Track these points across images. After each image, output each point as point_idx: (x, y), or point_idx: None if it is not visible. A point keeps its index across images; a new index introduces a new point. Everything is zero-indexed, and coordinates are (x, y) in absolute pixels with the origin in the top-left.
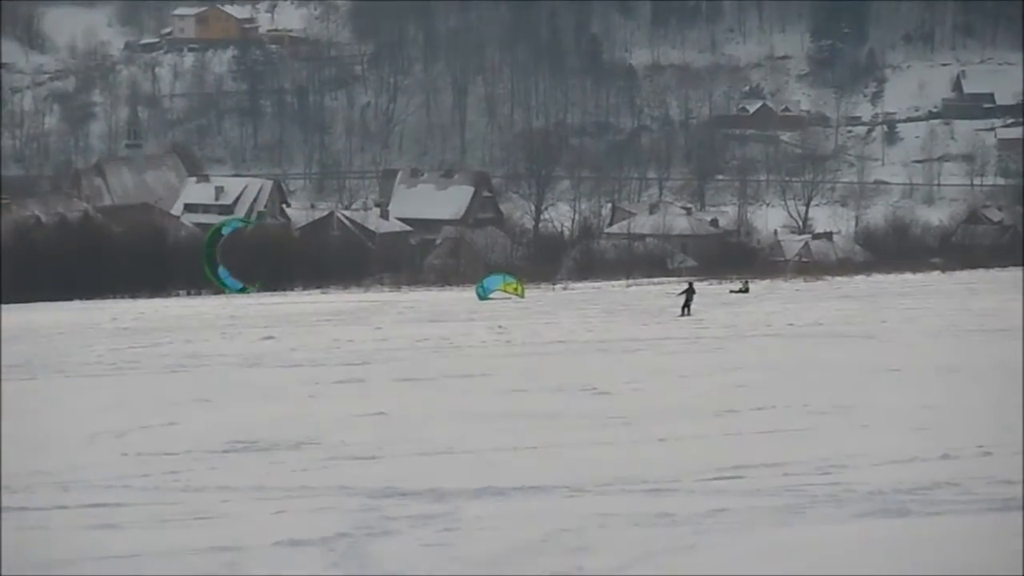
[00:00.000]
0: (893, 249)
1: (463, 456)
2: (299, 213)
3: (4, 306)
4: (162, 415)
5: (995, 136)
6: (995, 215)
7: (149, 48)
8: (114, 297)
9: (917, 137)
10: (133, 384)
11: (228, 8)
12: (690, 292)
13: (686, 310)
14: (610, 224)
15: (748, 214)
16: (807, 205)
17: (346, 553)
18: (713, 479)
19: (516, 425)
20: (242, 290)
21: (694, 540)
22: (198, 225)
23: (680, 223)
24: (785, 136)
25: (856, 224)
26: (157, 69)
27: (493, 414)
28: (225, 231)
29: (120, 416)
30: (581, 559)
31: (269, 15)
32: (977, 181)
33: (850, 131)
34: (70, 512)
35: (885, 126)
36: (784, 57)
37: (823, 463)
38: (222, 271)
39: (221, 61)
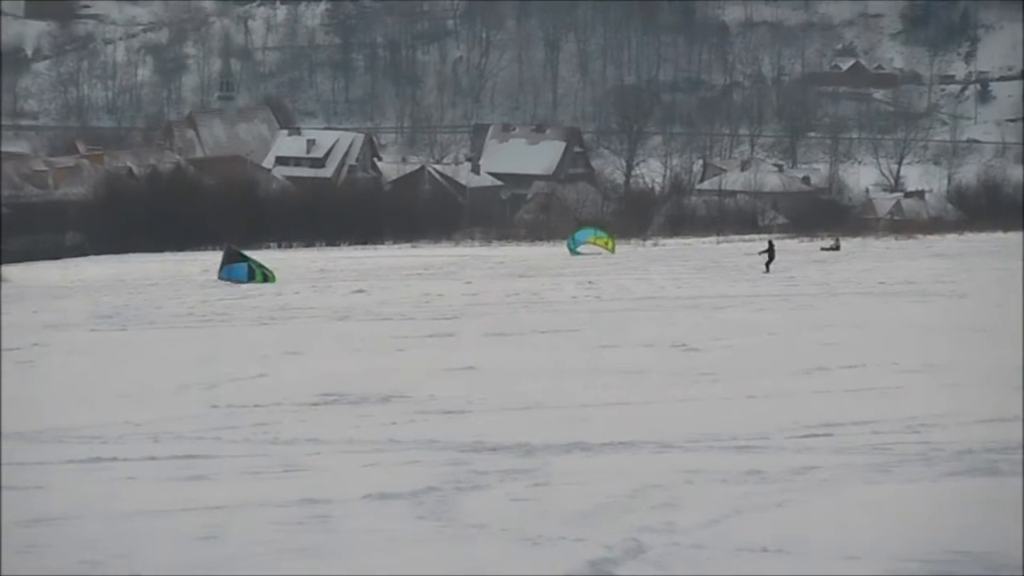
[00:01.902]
0: (985, 208)
1: (552, 411)
2: (390, 167)
3: (96, 257)
4: (252, 367)
5: None
6: None
7: (242, 1)
8: (205, 249)
9: (1010, 96)
10: (223, 336)
11: None
12: (771, 250)
13: (767, 268)
14: (701, 180)
15: (840, 172)
16: (899, 163)
17: (435, 507)
18: (802, 436)
19: (605, 381)
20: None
21: (783, 497)
22: (289, 178)
23: (771, 180)
24: (878, 94)
25: (948, 183)
26: (250, 22)
27: (582, 369)
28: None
29: (210, 368)
30: (669, 515)
31: None
32: None
33: (943, 89)
34: (160, 463)
35: (978, 85)
36: (877, 15)
37: (912, 421)
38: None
39: (314, 14)
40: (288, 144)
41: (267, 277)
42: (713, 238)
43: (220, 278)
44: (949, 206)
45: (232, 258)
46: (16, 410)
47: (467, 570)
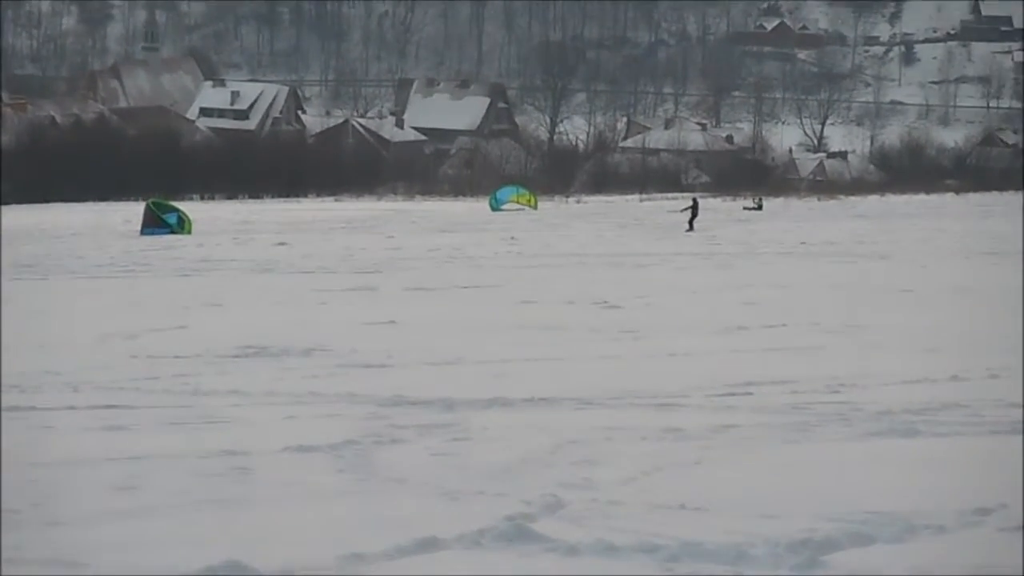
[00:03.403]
0: (908, 170)
1: (473, 366)
2: (314, 120)
3: (17, 206)
4: (173, 318)
5: (1012, 59)
6: (1010, 138)
7: None
8: (128, 199)
9: (934, 58)
10: (144, 287)
11: None
12: (694, 208)
13: (690, 226)
14: (625, 138)
15: (763, 131)
16: (823, 124)
17: (354, 460)
18: (722, 395)
19: (526, 337)
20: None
21: (702, 455)
22: (213, 130)
23: (695, 139)
24: (802, 54)
25: (871, 144)
26: None
27: (503, 325)
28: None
29: (130, 318)
30: (589, 471)
31: None
32: (993, 104)
33: (867, 51)
34: (79, 413)
35: (903, 46)
36: None
37: (832, 382)
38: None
39: None
40: (212, 95)
41: (187, 227)
42: (636, 196)
43: (143, 234)
44: (872, 167)
45: (152, 220)
46: None
47: (386, 523)
